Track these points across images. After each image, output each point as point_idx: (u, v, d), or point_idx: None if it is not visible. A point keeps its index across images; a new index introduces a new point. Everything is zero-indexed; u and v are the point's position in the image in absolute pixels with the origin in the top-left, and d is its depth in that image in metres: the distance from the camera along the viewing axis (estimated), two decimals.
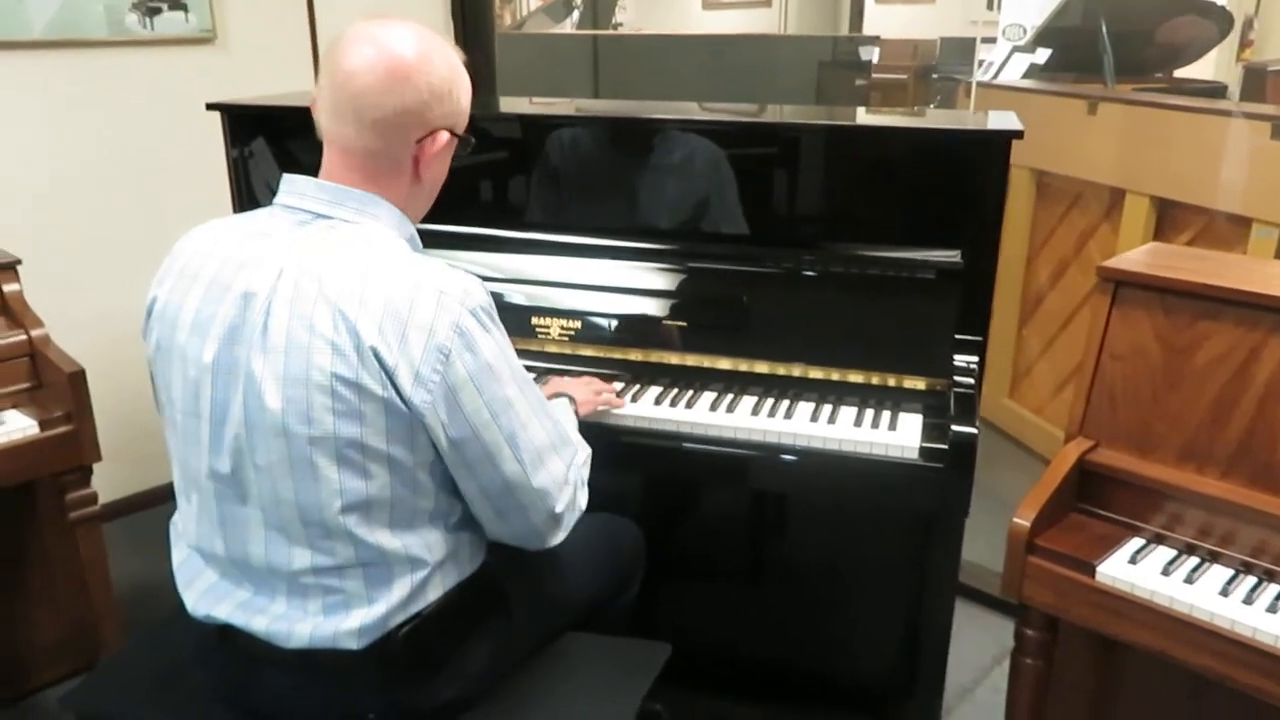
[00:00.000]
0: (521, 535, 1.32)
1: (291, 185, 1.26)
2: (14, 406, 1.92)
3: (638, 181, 2.01)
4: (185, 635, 1.37)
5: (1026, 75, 4.00)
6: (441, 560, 1.28)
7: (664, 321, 1.87)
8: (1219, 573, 1.42)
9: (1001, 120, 1.80)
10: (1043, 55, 4.06)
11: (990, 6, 5.40)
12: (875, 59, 6.34)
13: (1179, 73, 4.21)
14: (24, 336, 1.93)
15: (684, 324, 1.86)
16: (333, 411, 1.15)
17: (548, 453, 1.28)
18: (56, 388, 1.90)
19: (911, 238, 1.81)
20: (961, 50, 6.15)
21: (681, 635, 1.61)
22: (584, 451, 1.43)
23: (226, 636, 1.30)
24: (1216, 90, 4.04)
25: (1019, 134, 1.68)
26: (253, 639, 1.27)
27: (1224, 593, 1.38)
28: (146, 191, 2.69)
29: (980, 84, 3.52)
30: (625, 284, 1.90)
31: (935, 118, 2.23)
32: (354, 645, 1.24)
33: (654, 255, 1.91)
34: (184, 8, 2.71)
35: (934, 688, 1.90)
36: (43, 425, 1.88)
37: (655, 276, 1.90)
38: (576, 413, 1.61)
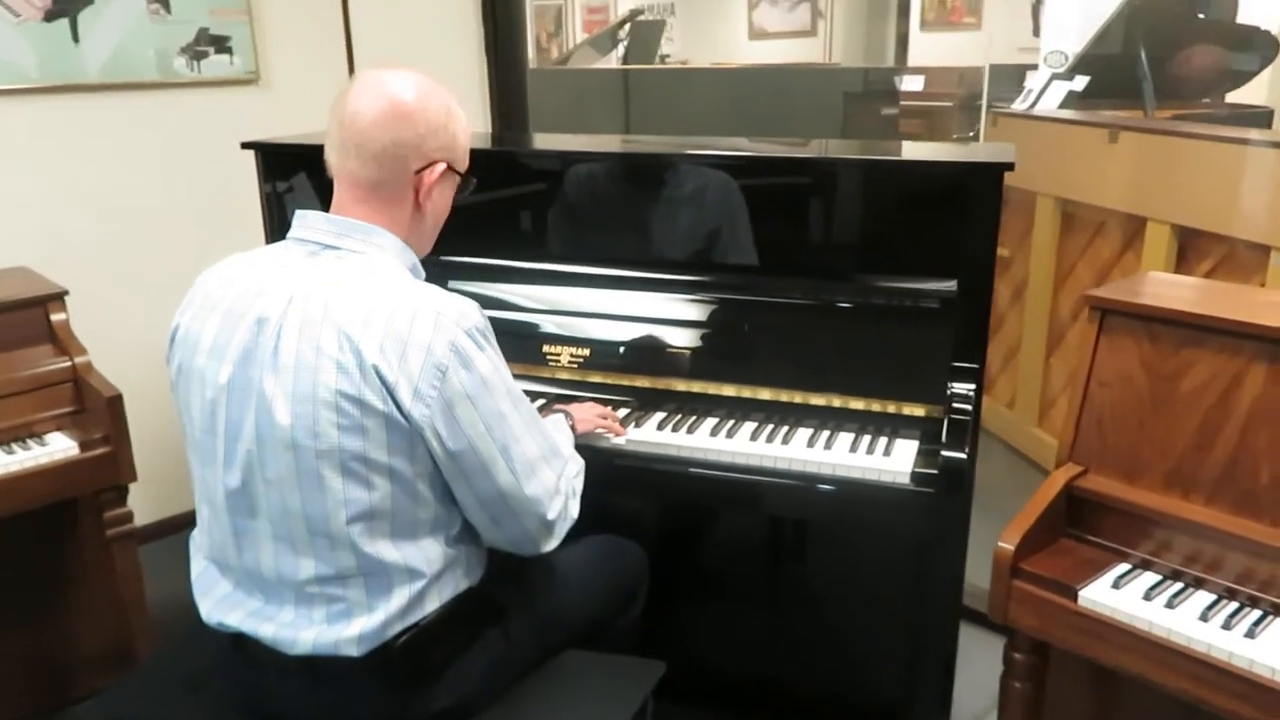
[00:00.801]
0: (516, 541, 1.40)
1: (303, 220, 1.36)
2: (58, 429, 2.04)
3: (647, 213, 2.08)
4: (205, 644, 1.45)
5: (1064, 103, 4.01)
6: (439, 572, 1.35)
7: (669, 349, 1.93)
8: (1202, 598, 1.44)
9: (995, 151, 1.84)
10: (1081, 82, 4.06)
11: (1036, 33, 5.40)
12: (920, 87, 6.34)
13: (1230, 97, 4.18)
14: (68, 363, 2.06)
15: (689, 351, 1.92)
16: (338, 426, 1.23)
17: (539, 463, 1.36)
18: (96, 411, 2.02)
19: (909, 267, 1.85)
20: (1008, 78, 6.16)
21: (686, 656, 1.65)
22: (575, 464, 1.50)
23: (239, 644, 1.38)
24: (1261, 116, 4.01)
25: (1009, 166, 1.72)
26: (261, 646, 1.35)
27: (1204, 618, 1.39)
28: (187, 225, 2.83)
29: (1004, 113, 3.54)
30: (632, 312, 1.97)
31: (932, 149, 2.27)
32: (354, 652, 1.31)
33: (661, 285, 1.97)
34: (229, 51, 2.86)
35: (937, 711, 1.92)
36: (82, 446, 2.00)
37: (662, 305, 1.96)
38: (574, 428, 1.69)
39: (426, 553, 1.33)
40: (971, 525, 1.82)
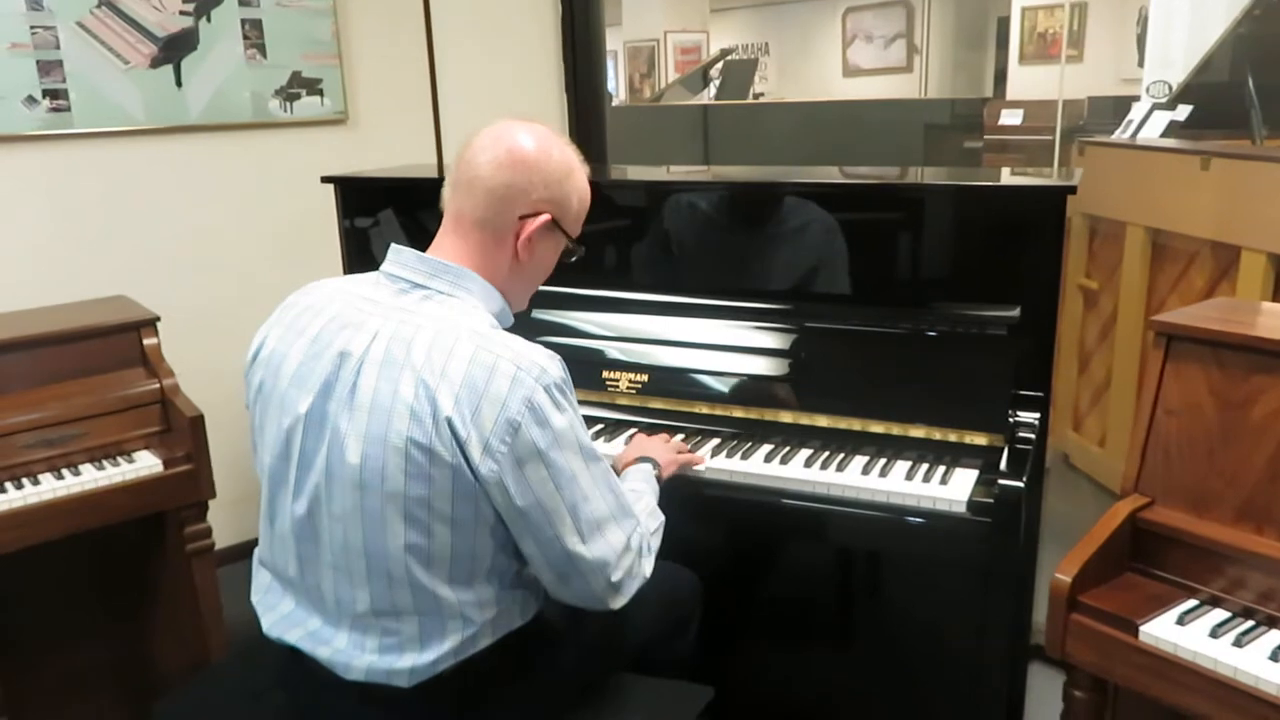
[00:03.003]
0: (582, 599, 1.37)
1: (397, 256, 1.38)
2: (145, 447, 2.15)
3: (707, 242, 2.10)
4: (266, 657, 1.50)
5: (1166, 133, 3.89)
6: (493, 617, 1.35)
7: (727, 376, 1.93)
8: (1273, 638, 1.36)
9: (1059, 176, 1.80)
10: (1183, 112, 3.95)
11: (1141, 64, 5.26)
12: (1018, 121, 6.23)
13: None
14: (157, 385, 2.17)
15: (746, 378, 1.92)
16: (405, 472, 1.24)
17: (608, 524, 1.34)
18: (180, 431, 2.12)
19: (971, 293, 1.82)
20: (1109, 109, 6.02)
21: (743, 687, 1.62)
22: (654, 520, 1.48)
23: (298, 659, 1.42)
24: None
25: (1072, 189, 1.68)
26: (318, 665, 1.38)
27: (1274, 658, 1.32)
28: (272, 256, 2.96)
29: (1091, 142, 3.45)
30: (690, 339, 1.98)
31: (995, 175, 2.23)
32: (404, 684, 1.33)
33: (718, 312, 1.99)
34: (320, 93, 3.00)
35: None
36: (166, 464, 2.10)
37: (719, 332, 1.97)
38: (659, 477, 1.65)
39: (481, 597, 1.33)
40: (1056, 564, 1.76)
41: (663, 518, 1.51)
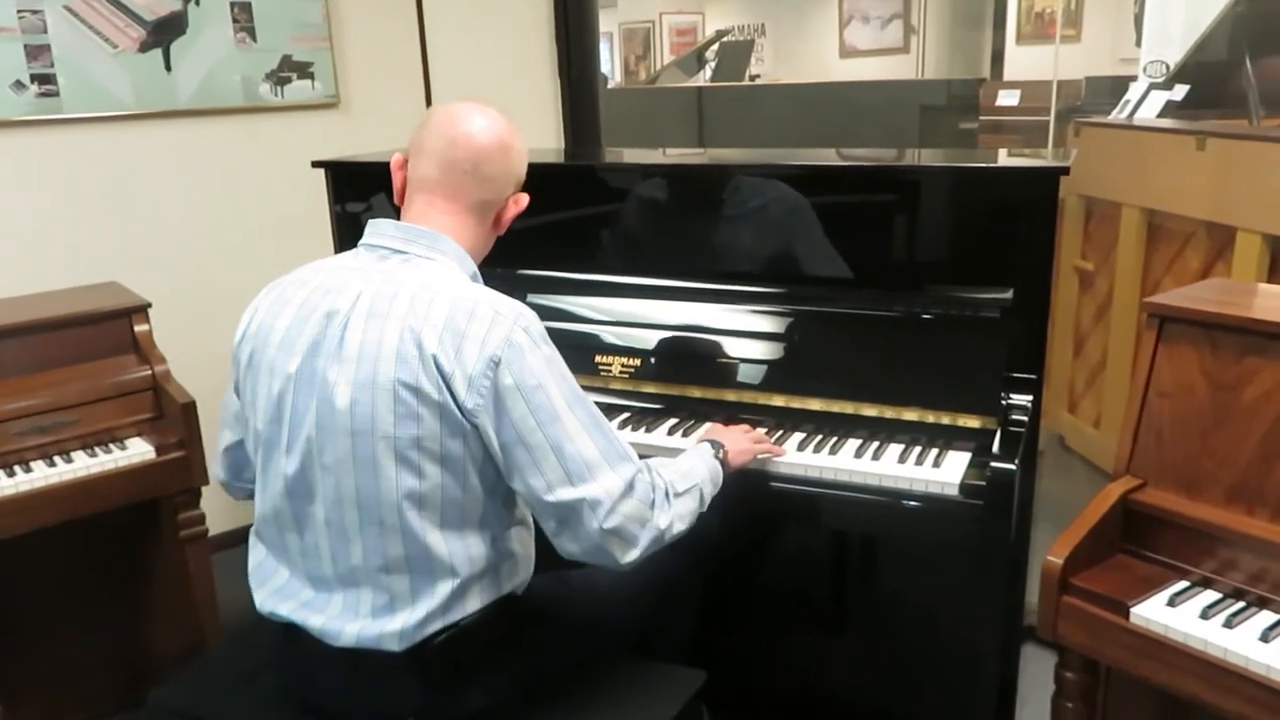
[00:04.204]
0: (589, 551, 1.36)
1: (374, 228, 1.44)
2: (137, 434, 2.15)
3: (697, 225, 2.09)
4: (261, 637, 1.51)
5: (1163, 113, 3.87)
6: (480, 573, 1.37)
7: (720, 359, 1.93)
8: (1264, 618, 1.36)
9: (1053, 158, 1.79)
10: (1180, 92, 3.92)
11: (1139, 43, 5.23)
12: (1015, 102, 6.20)
13: None
14: (149, 372, 2.16)
15: (739, 362, 1.91)
16: (394, 413, 1.28)
17: (598, 466, 1.33)
18: (172, 418, 2.12)
19: (964, 276, 1.82)
20: (1107, 89, 5.99)
21: (738, 671, 1.62)
22: (681, 482, 1.46)
23: (291, 635, 1.43)
24: None
25: (1065, 170, 1.67)
26: (310, 636, 1.40)
27: (1265, 639, 1.32)
28: (263, 242, 2.94)
29: (1087, 123, 3.44)
30: (683, 322, 1.97)
31: (988, 156, 2.21)
32: (395, 647, 1.35)
33: (712, 295, 1.98)
34: (311, 77, 2.97)
35: None
36: (159, 450, 2.10)
37: (713, 316, 1.96)
38: (726, 460, 1.63)
39: (471, 550, 1.36)
40: (1050, 545, 1.76)
41: (698, 482, 1.49)
